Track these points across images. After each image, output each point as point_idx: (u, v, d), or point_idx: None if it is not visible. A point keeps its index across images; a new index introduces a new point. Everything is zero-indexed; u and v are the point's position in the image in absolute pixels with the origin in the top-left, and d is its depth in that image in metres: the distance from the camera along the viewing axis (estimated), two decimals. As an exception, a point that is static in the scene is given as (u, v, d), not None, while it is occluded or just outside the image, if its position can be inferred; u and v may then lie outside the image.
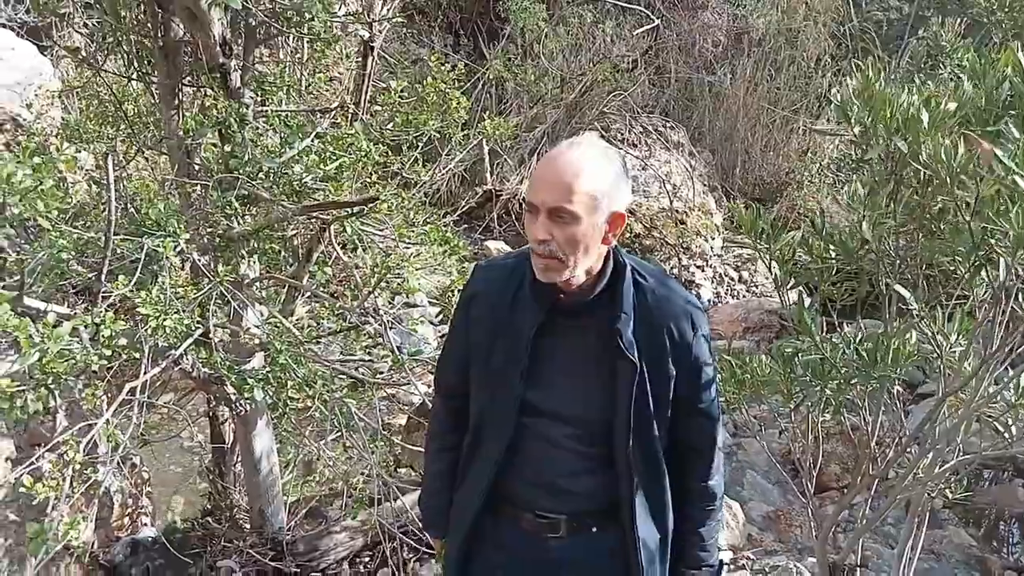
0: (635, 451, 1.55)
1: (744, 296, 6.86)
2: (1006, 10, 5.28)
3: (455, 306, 1.76)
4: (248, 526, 3.24)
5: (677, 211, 7.02)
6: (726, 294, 6.85)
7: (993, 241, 1.72)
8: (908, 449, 2.44)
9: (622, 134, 7.50)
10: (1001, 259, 1.80)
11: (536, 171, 1.50)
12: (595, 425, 1.56)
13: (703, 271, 6.89)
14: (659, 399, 1.55)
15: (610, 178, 1.46)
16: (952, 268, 2.16)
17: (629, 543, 1.59)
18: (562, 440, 1.57)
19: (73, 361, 2.01)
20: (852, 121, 1.95)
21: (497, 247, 7.10)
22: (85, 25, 3.65)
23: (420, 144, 2.96)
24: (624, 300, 1.52)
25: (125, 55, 2.79)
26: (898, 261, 2.13)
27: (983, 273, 1.95)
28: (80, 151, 3.29)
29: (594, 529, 1.61)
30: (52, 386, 2.07)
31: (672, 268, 6.80)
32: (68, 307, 2.38)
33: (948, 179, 1.75)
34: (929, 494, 2.44)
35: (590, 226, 1.43)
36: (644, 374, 1.52)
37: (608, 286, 1.53)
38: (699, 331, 1.57)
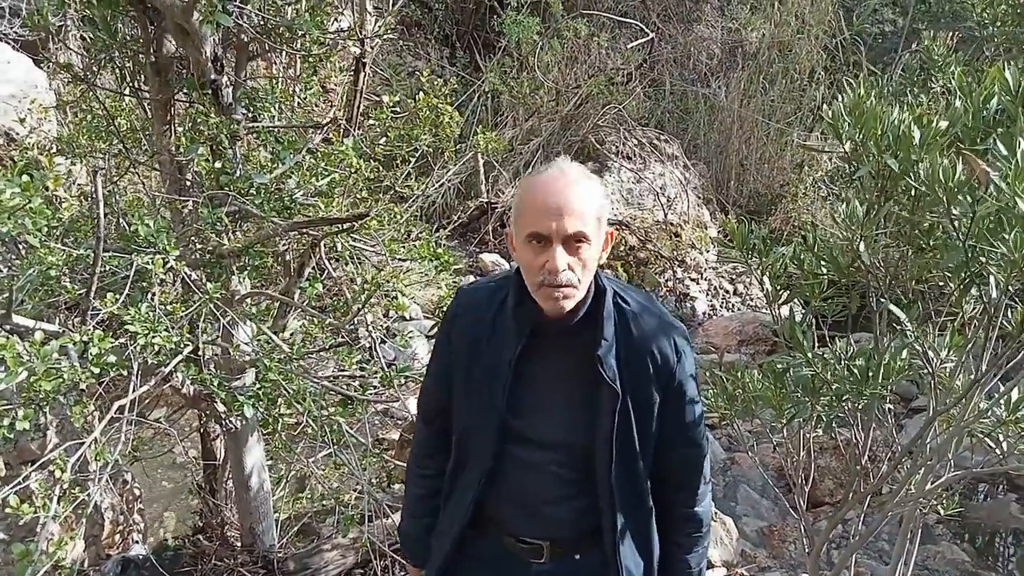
0: (618, 478, 1.52)
1: (739, 309, 6.86)
2: (998, 24, 5.32)
3: (438, 329, 1.74)
4: (239, 544, 3.22)
5: (672, 224, 7.03)
6: (721, 307, 6.86)
7: (984, 259, 1.72)
8: (901, 464, 2.44)
9: (617, 147, 7.52)
10: (991, 276, 1.80)
11: (534, 199, 1.43)
12: (577, 451, 1.54)
13: (698, 284, 6.90)
14: (643, 426, 1.53)
15: (603, 197, 1.48)
16: (942, 284, 2.16)
17: (612, 571, 1.57)
18: (544, 465, 1.55)
19: (61, 379, 2.00)
20: (843, 138, 1.96)
21: (492, 259, 7.10)
22: (82, 39, 3.66)
23: (413, 158, 2.96)
24: (605, 325, 1.50)
25: (118, 70, 2.79)
26: (888, 277, 2.13)
27: (973, 290, 1.95)
28: (73, 165, 3.29)
29: (577, 556, 1.59)
30: (41, 404, 2.06)
31: (667, 280, 6.81)
32: (58, 323, 2.37)
33: (945, 198, 1.75)
34: (922, 509, 2.44)
35: (597, 247, 1.45)
36: (627, 401, 1.50)
37: (590, 310, 1.51)
38: (683, 356, 1.55)
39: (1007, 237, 1.59)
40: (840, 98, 2.02)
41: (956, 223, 1.75)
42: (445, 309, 1.73)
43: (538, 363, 1.53)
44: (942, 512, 2.49)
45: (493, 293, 1.59)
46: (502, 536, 1.61)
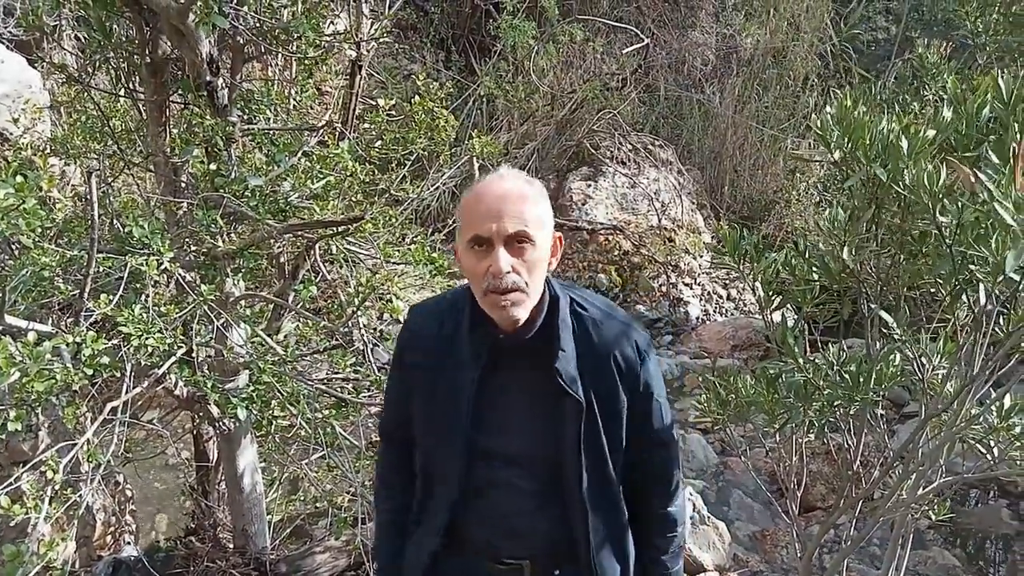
0: (589, 487, 1.50)
1: (732, 314, 6.88)
2: (991, 33, 5.36)
3: (393, 354, 1.68)
4: (231, 545, 3.21)
5: (666, 229, 7.05)
6: (714, 312, 6.87)
7: (973, 267, 1.74)
8: (892, 470, 2.45)
9: (611, 152, 7.54)
10: (981, 284, 1.81)
11: (474, 205, 1.42)
12: (546, 465, 1.51)
13: (691, 288, 6.91)
14: (612, 432, 1.51)
15: (546, 201, 1.46)
16: (933, 291, 2.18)
17: None
18: (514, 481, 1.52)
19: (54, 380, 1.99)
20: (832, 148, 1.97)
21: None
22: (76, 39, 3.66)
23: (409, 162, 2.96)
24: (562, 335, 1.47)
25: (113, 71, 2.79)
26: (880, 284, 2.15)
27: (964, 297, 1.97)
28: (67, 165, 3.28)
29: (557, 572, 1.56)
30: (33, 405, 2.06)
31: (660, 285, 6.82)
32: (52, 324, 2.36)
33: (930, 204, 1.76)
34: (913, 515, 2.45)
35: (542, 251, 1.42)
36: (593, 409, 1.48)
37: (547, 320, 1.48)
38: (646, 357, 1.53)
39: (992, 243, 1.60)
40: (829, 107, 2.04)
41: (944, 229, 1.76)
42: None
43: (499, 380, 1.50)
44: (933, 517, 2.50)
45: (446, 311, 1.55)
46: (480, 559, 1.57)
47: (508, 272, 1.37)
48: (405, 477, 1.65)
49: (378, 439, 1.84)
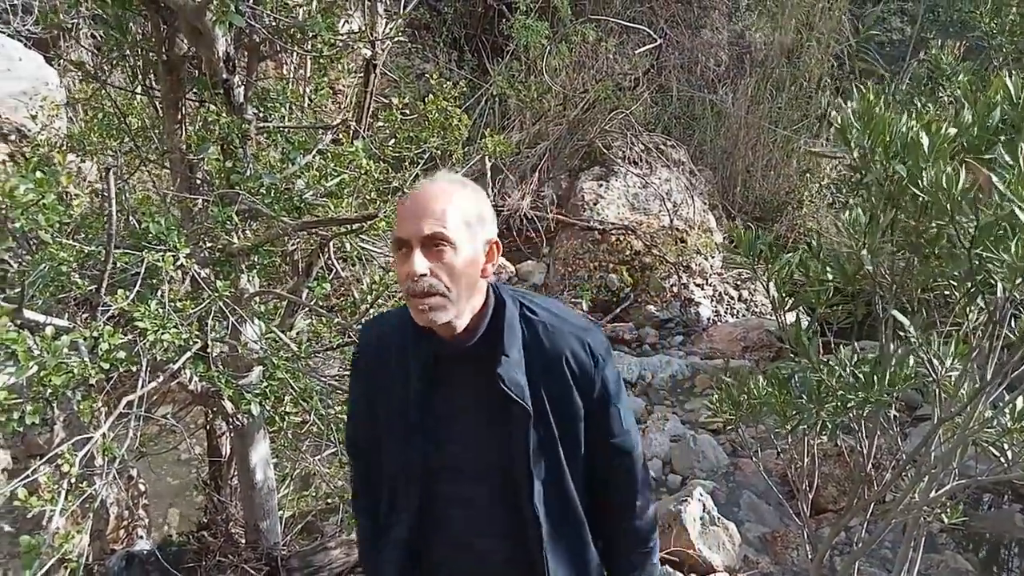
0: (545, 500, 1.45)
1: (744, 315, 6.86)
2: (1006, 34, 5.32)
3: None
4: (243, 541, 3.24)
5: (677, 229, 7.03)
6: (725, 313, 6.85)
7: (990, 268, 1.73)
8: (905, 472, 2.44)
9: (623, 152, 7.53)
10: (998, 285, 1.80)
11: (402, 209, 1.38)
12: (499, 477, 1.46)
13: (703, 289, 6.89)
14: (568, 440, 1.46)
15: (478, 204, 1.40)
16: (948, 293, 2.17)
17: None
18: (471, 498, 1.48)
19: (71, 374, 2.02)
20: (851, 145, 1.96)
21: (498, 262, 7.11)
22: (93, 36, 3.68)
23: (422, 160, 2.97)
24: (507, 340, 1.42)
25: (130, 69, 2.81)
26: (894, 285, 2.14)
27: (979, 299, 1.96)
28: (84, 162, 3.31)
29: None
30: (50, 399, 2.08)
31: (671, 286, 6.81)
32: (68, 319, 2.39)
33: (948, 206, 1.75)
34: (926, 518, 2.44)
35: (469, 255, 1.36)
36: (546, 416, 1.43)
37: (491, 326, 1.43)
38: (601, 360, 1.47)
39: (1010, 245, 1.59)
40: (848, 105, 2.03)
41: (960, 231, 1.75)
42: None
43: (446, 391, 1.46)
44: (946, 521, 2.48)
45: (397, 325, 1.50)
46: None
47: (424, 275, 1.32)
48: (373, 493, 1.62)
49: None
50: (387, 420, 1.51)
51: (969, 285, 1.88)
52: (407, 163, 2.97)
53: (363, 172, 2.56)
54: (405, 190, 3.03)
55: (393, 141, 2.90)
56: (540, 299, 1.53)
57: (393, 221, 2.81)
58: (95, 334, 2.08)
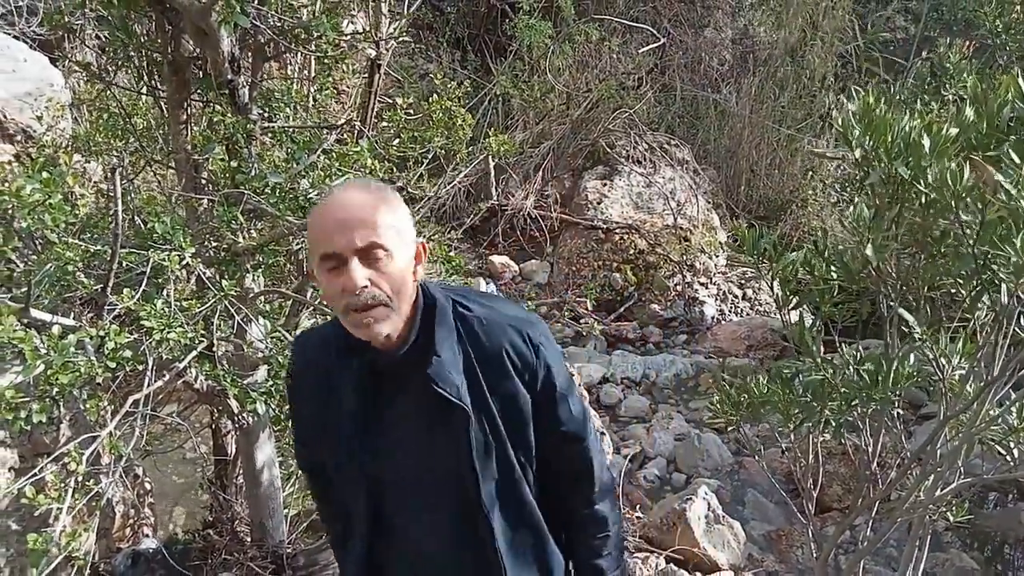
0: (499, 501, 1.43)
1: (748, 314, 6.85)
2: (1011, 33, 5.32)
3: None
4: (249, 539, 3.25)
5: (681, 228, 7.03)
6: (729, 311, 6.85)
7: (996, 267, 1.73)
8: (910, 471, 2.44)
9: (627, 151, 7.53)
10: (1003, 284, 1.80)
11: (320, 221, 1.30)
12: (448, 484, 1.42)
13: (707, 288, 6.89)
14: (519, 436, 1.43)
15: (400, 208, 1.36)
16: (954, 291, 2.17)
17: None
18: (423, 507, 1.45)
19: (78, 373, 2.02)
20: (853, 145, 1.97)
21: (501, 261, 7.12)
22: (97, 37, 3.70)
23: (426, 160, 2.98)
24: (437, 339, 1.37)
25: (135, 69, 2.82)
26: (900, 283, 2.14)
27: (985, 297, 1.96)
28: (89, 162, 3.32)
29: None
30: (56, 397, 2.09)
31: (675, 285, 6.81)
32: (74, 318, 2.40)
33: (953, 203, 1.75)
34: (931, 516, 2.44)
35: (405, 260, 1.32)
36: (492, 412, 1.40)
37: (423, 328, 1.39)
38: (541, 349, 1.42)
39: (1016, 242, 1.59)
40: (850, 105, 2.03)
41: (966, 229, 1.75)
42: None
43: (386, 402, 1.41)
44: (951, 519, 2.48)
45: (328, 339, 1.45)
46: None
47: (365, 287, 1.27)
48: (331, 506, 1.60)
49: None
50: (327, 439, 1.45)
51: (975, 283, 1.87)
52: (411, 163, 2.98)
53: (368, 172, 2.57)
54: (410, 189, 3.05)
55: (397, 141, 2.91)
56: (476, 294, 1.50)
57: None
58: (101, 333, 2.09)
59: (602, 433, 4.01)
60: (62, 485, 2.04)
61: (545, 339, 1.45)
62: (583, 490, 1.54)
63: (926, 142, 1.82)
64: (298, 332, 1.64)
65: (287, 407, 2.61)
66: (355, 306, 1.28)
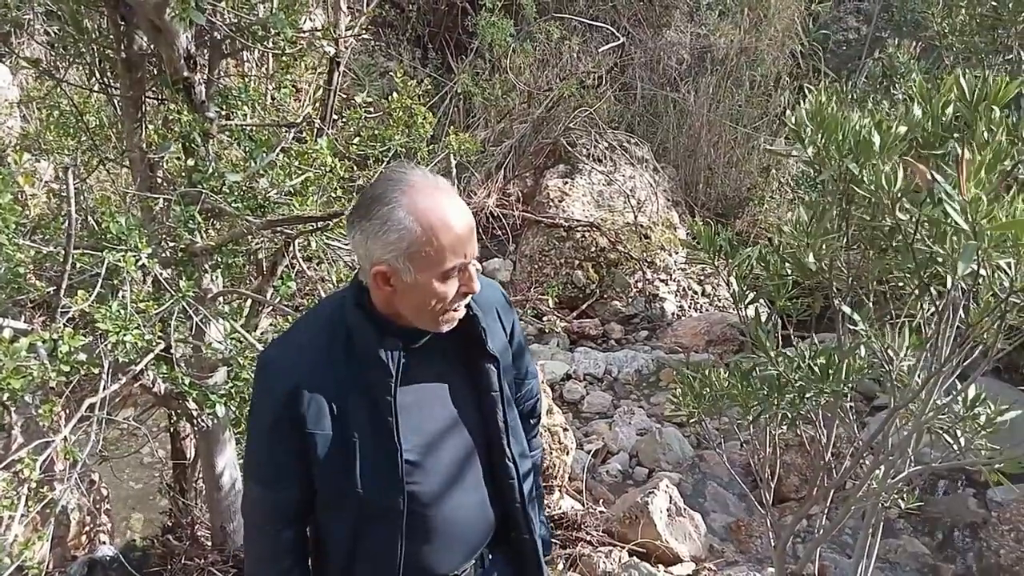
0: (512, 444, 1.56)
1: (707, 310, 6.95)
2: (957, 34, 5.48)
3: (255, 414, 1.48)
4: (210, 543, 3.20)
5: (642, 225, 7.10)
6: (689, 307, 6.94)
7: (938, 263, 1.79)
8: (863, 460, 2.51)
9: (588, 149, 7.58)
10: (948, 277, 1.86)
11: (451, 233, 1.30)
12: (481, 447, 1.53)
13: (667, 284, 6.98)
14: (511, 379, 1.61)
15: None
16: (902, 285, 2.23)
17: (529, 547, 1.59)
18: (453, 482, 1.49)
19: (30, 377, 1.98)
20: (806, 143, 2.01)
21: (464, 260, 7.11)
22: (46, 33, 3.61)
23: (387, 158, 2.97)
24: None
25: (87, 66, 2.76)
26: (851, 278, 2.20)
27: (930, 291, 2.02)
28: (40, 162, 3.24)
29: (490, 556, 1.60)
30: (8, 403, 2.04)
31: (636, 281, 6.87)
32: (26, 321, 2.34)
33: (890, 203, 1.81)
34: (883, 504, 2.51)
35: None
36: (498, 360, 1.51)
37: None
38: (510, 304, 1.65)
39: (949, 242, 1.65)
40: (803, 103, 2.08)
41: (904, 227, 1.81)
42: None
43: (416, 379, 1.43)
44: (903, 506, 2.56)
45: (315, 342, 1.42)
46: None
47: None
48: (300, 527, 1.52)
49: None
50: (349, 441, 1.38)
51: (920, 277, 1.93)
52: (372, 161, 2.96)
53: (328, 169, 2.55)
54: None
55: (357, 139, 2.89)
56: None
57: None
58: (54, 336, 2.04)
59: (565, 429, 4.04)
60: (14, 493, 1.99)
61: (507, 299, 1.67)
62: (537, 411, 1.82)
63: (876, 140, 1.87)
64: (260, 355, 1.50)
65: (241, 411, 2.59)
66: (461, 307, 1.40)
